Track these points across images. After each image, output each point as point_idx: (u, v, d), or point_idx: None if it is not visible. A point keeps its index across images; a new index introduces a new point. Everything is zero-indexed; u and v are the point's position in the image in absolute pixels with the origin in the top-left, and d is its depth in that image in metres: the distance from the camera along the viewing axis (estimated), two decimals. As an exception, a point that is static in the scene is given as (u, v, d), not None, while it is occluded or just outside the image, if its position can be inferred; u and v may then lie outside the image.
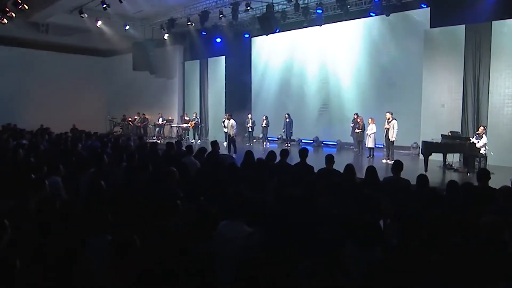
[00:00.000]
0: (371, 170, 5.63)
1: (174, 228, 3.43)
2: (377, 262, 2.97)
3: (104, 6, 13.71)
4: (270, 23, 13.05)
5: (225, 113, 14.48)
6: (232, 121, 13.33)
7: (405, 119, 12.56)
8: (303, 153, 6.39)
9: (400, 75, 13.36)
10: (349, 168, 5.81)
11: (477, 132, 9.87)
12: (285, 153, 6.68)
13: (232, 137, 12.97)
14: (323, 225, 3.49)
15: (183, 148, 7.94)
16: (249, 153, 7.09)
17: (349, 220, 3.35)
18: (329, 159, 6.25)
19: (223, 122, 13.76)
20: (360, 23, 14.40)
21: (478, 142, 9.70)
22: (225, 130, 13.53)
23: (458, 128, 11.29)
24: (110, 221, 3.17)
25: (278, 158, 6.65)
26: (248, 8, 13.43)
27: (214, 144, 7.94)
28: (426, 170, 9.52)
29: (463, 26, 11.22)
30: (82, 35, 18.96)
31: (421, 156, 11.84)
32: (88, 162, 6.22)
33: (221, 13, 14.55)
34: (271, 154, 6.68)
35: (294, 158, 7.25)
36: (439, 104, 11.74)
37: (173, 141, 17.67)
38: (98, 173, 5.77)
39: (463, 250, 2.86)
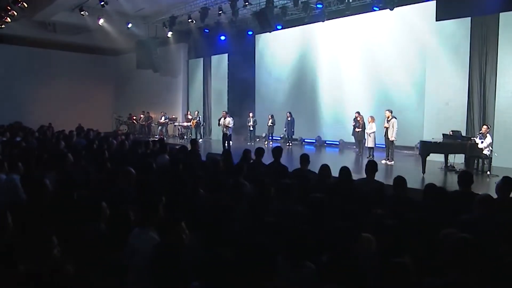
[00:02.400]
0: (344, 170, 5.20)
1: (92, 234, 3.14)
2: (307, 282, 2.59)
3: (102, 3, 13.60)
4: (268, 19, 12.67)
5: (227, 111, 14.16)
6: (228, 119, 13.01)
7: (408, 118, 12.00)
8: (277, 152, 6.01)
9: (403, 72, 12.75)
10: (324, 168, 5.42)
11: (480, 132, 9.24)
12: (260, 152, 6.34)
13: (228, 135, 12.66)
14: (257, 234, 3.11)
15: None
16: (226, 152, 6.81)
17: (282, 229, 2.95)
18: (304, 159, 5.87)
19: (219, 120, 13.44)
20: (364, 18, 13.84)
21: (482, 142, 9.09)
22: (224, 129, 13.15)
23: (463, 127, 10.65)
24: (10, 225, 2.88)
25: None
26: (246, 3, 13.07)
27: (194, 143, 7.67)
28: (423, 171, 8.98)
29: (469, 18, 10.56)
30: (89, 34, 19.01)
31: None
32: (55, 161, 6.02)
33: (220, 9, 14.27)
34: (246, 153, 6.35)
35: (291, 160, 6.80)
36: (443, 102, 11.10)
37: (177, 139, 17.66)
38: (60, 172, 5.57)
39: (396, 274, 2.44)
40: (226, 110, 16.92)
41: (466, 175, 4.40)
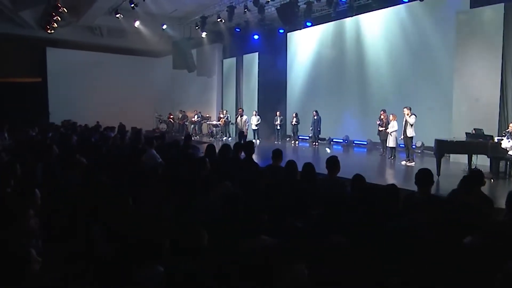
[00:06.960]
0: (307, 167, 4.91)
1: None
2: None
3: (132, 5, 14.19)
4: (288, 14, 12.41)
5: (243, 108, 14.06)
6: (245, 117, 12.94)
7: (435, 116, 11.12)
8: (249, 148, 5.85)
9: (431, 67, 11.84)
10: (290, 164, 5.18)
11: (507, 130, 8.28)
12: (238, 147, 6.24)
13: (244, 133, 12.60)
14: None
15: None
16: (210, 147, 6.77)
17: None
18: (276, 155, 5.65)
19: (236, 118, 13.39)
20: (393, 11, 13.07)
21: (509, 141, 8.14)
22: (252, 127, 13.00)
23: (495, 126, 9.61)
24: None
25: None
26: (269, 1, 12.94)
27: (187, 138, 7.73)
28: (438, 173, 8.22)
29: (502, 5, 9.50)
30: (132, 37, 19.95)
31: (452, 159, 10.46)
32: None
33: (245, 7, 14.25)
34: (208, 148, 6.35)
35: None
36: (473, 99, 10.08)
37: (208, 138, 17.95)
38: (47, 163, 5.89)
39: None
40: (256, 109, 16.88)
41: (423, 173, 3.92)
